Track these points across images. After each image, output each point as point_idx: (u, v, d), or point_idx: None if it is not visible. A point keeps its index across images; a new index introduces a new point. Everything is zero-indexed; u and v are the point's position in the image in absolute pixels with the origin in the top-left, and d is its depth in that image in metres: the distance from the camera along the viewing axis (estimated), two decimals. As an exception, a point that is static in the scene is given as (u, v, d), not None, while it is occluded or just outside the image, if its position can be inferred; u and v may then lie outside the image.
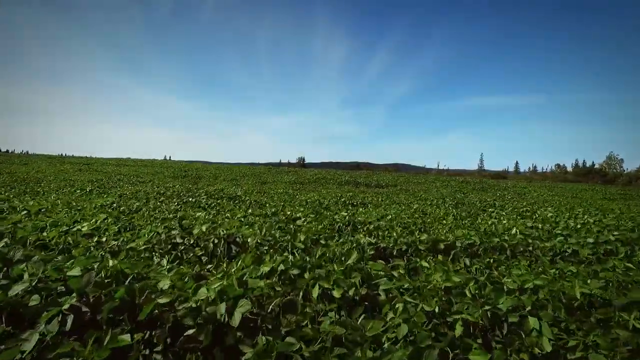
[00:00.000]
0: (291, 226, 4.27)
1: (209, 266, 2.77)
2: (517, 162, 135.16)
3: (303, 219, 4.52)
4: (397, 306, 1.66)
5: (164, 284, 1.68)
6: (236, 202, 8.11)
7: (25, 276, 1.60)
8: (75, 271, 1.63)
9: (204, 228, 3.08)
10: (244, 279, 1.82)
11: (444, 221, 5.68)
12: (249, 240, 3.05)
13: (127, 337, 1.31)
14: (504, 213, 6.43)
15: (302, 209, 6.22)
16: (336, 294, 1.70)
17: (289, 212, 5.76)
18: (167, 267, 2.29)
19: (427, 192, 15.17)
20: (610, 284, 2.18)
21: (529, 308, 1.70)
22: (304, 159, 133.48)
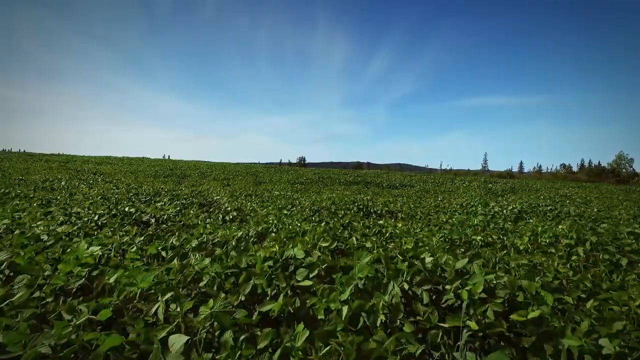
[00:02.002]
0: (283, 285, 1.82)
1: None
2: (521, 162, 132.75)
3: (310, 267, 2.02)
4: None
5: None
6: (210, 210, 5.64)
7: None
8: None
9: None
10: None
11: (573, 257, 3.21)
12: None
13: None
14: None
15: (306, 227, 3.75)
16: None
17: (283, 236, 3.29)
18: None
19: (453, 193, 12.72)
20: None
21: None
22: (304, 159, 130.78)
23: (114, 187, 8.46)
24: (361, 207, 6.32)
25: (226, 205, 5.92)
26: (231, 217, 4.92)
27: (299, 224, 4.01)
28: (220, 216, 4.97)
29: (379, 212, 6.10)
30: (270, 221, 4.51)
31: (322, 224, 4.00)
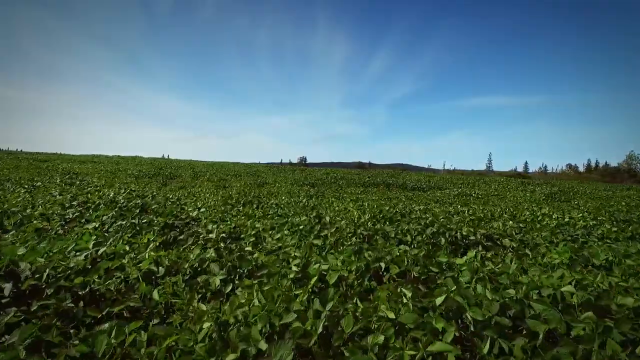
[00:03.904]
0: None
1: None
2: (526, 162, 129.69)
3: None
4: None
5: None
6: (180, 239, 3.12)
7: None
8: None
9: None
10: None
11: None
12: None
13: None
14: None
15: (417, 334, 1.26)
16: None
17: None
18: None
19: (503, 198, 10.20)
20: None
21: None
22: (305, 159, 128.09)
23: (57, 194, 5.94)
24: (434, 228, 3.78)
25: (209, 227, 3.38)
26: (214, 259, 2.40)
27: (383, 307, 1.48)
28: (193, 256, 2.45)
29: (469, 237, 3.56)
30: (292, 277, 2.00)
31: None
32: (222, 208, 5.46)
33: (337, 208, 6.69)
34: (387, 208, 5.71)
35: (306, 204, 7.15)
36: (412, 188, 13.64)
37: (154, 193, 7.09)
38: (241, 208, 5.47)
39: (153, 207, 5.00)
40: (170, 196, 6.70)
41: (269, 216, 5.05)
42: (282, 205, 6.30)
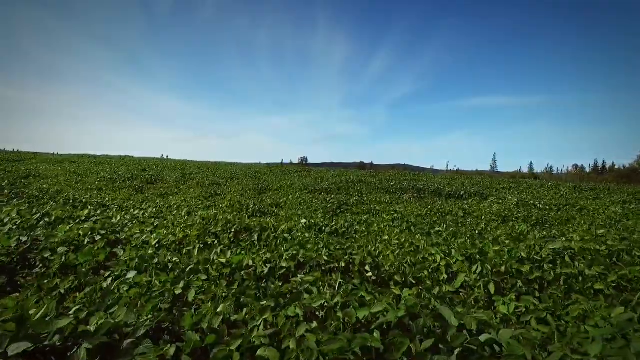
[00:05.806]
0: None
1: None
2: (531, 163, 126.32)
3: None
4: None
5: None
6: None
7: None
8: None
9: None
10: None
11: None
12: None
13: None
14: None
15: None
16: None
17: None
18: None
19: (575, 209, 7.64)
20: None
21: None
22: (306, 159, 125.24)
23: None
24: None
25: None
26: None
27: None
28: None
29: None
30: None
31: None
32: (193, 250, 2.89)
33: (386, 237, 4.14)
34: (497, 248, 3.13)
35: (337, 228, 4.58)
36: (448, 195, 11.06)
37: (106, 207, 4.52)
38: (230, 252, 2.88)
39: (47, 256, 2.45)
40: (117, 218, 4.13)
41: (286, 294, 2.48)
42: (301, 238, 3.73)
